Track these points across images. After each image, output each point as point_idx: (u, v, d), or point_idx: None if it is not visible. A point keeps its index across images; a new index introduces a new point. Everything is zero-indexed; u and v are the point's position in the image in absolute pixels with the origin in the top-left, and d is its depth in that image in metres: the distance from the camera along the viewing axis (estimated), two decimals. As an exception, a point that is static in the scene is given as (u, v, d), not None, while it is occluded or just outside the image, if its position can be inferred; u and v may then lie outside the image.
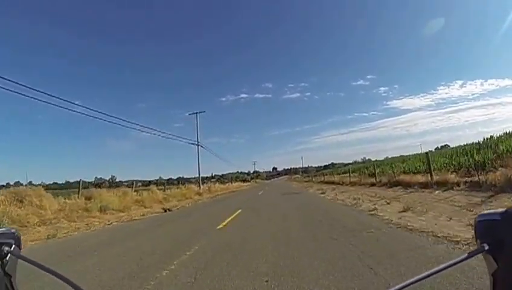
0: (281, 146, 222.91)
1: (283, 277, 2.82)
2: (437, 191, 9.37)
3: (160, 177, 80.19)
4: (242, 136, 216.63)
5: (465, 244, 3.39)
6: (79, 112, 16.47)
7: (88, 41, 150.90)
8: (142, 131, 22.27)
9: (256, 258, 3.54)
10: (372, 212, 6.61)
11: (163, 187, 22.95)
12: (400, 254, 3.26)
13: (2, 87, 10.66)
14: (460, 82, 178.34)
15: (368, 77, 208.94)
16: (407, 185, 12.28)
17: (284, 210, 9.01)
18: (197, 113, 29.88)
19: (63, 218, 10.95)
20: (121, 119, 19.54)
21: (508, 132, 15.53)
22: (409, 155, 41.48)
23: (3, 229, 0.50)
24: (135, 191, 18.19)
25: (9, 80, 10.94)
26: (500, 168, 8.37)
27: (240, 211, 9.48)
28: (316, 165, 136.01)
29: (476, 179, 9.12)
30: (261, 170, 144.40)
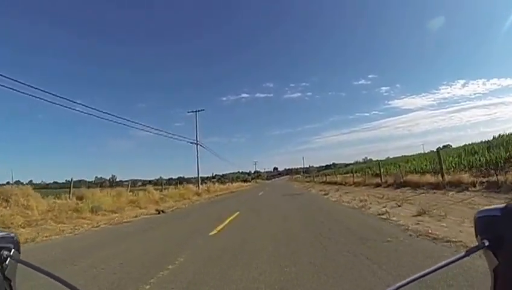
0: (282, 146, 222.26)
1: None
2: (451, 193, 8.67)
3: (160, 177, 79.76)
4: (243, 136, 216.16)
5: None
6: (80, 111, 16.15)
7: (88, 41, 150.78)
8: (142, 130, 21.64)
9: (251, 281, 2.86)
10: (384, 216, 5.92)
11: (161, 187, 22.33)
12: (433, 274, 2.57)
13: (3, 86, 10.54)
14: (462, 81, 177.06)
15: (370, 76, 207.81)
16: (415, 186, 11.58)
17: (284, 212, 8.34)
18: (196, 111, 29.22)
19: (51, 219, 10.33)
20: (119, 117, 19.11)
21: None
22: (413, 155, 40.80)
23: (2, 233, 0.50)
24: (130, 191, 17.56)
25: (9, 78, 10.77)
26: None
27: (237, 213, 8.81)
28: (317, 165, 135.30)
29: (494, 179, 8.44)
30: (262, 170, 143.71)
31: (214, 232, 5.63)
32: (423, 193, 9.74)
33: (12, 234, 0.52)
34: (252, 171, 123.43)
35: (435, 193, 9.24)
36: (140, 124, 21.79)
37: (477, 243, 0.44)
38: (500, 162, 9.98)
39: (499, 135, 19.25)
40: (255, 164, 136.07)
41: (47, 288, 2.06)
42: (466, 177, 9.62)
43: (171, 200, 18.82)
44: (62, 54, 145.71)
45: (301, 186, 32.54)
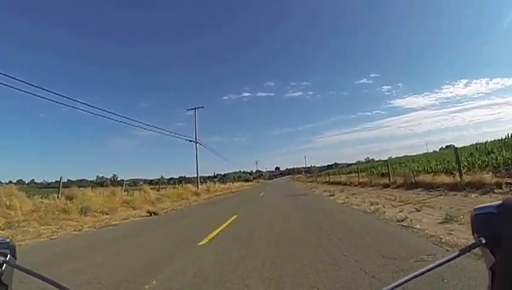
0: (283, 145, 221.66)
1: None
2: (473, 195, 7.76)
3: (162, 176, 79.27)
4: (244, 135, 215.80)
5: None
6: (83, 110, 15.84)
7: (88, 41, 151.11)
8: (141, 128, 20.88)
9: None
10: (404, 223, 5.03)
11: (158, 186, 21.53)
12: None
13: (5, 85, 10.47)
14: (465, 81, 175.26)
15: (372, 75, 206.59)
16: (429, 187, 10.65)
17: (287, 216, 7.48)
18: (195, 108, 28.37)
19: (35, 220, 9.59)
20: (120, 115, 18.58)
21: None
22: (418, 155, 39.79)
23: None
24: (125, 190, 16.76)
25: (12, 78, 10.71)
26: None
27: (235, 217, 7.96)
28: (319, 165, 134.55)
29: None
30: (264, 170, 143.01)
31: (204, 241, 4.76)
32: (440, 195, 8.82)
33: (8, 239, 0.51)
34: (254, 171, 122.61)
35: (454, 195, 8.32)
36: (141, 122, 21.03)
37: (473, 241, 0.43)
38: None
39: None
40: (256, 163, 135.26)
41: None
42: (488, 177, 8.69)
43: (168, 200, 18.01)
44: (62, 54, 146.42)
45: (304, 186, 31.61)
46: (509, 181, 7.86)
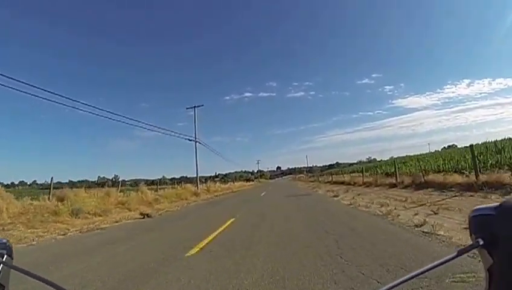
0: (285, 145, 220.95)
1: None
2: (493, 196, 7.10)
3: (163, 176, 78.75)
4: (246, 135, 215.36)
5: None
6: (84, 110, 15.52)
7: (88, 41, 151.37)
8: (141, 127, 20.37)
9: None
10: (425, 229, 4.38)
11: (156, 186, 20.95)
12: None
13: (8, 86, 10.43)
14: (467, 81, 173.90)
15: (374, 75, 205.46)
16: (440, 187, 9.97)
17: (289, 219, 6.86)
18: (194, 107, 27.74)
19: (22, 223, 9.03)
20: (121, 115, 18.27)
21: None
22: (423, 154, 38.94)
23: None
24: (121, 191, 16.17)
25: (14, 79, 10.59)
26: None
27: (232, 220, 7.35)
28: (321, 165, 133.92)
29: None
30: (265, 169, 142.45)
31: (194, 251, 4.13)
32: (455, 195, 8.15)
33: (4, 240, 0.51)
34: (255, 171, 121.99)
35: (471, 195, 7.66)
36: (141, 122, 20.58)
37: (471, 242, 0.43)
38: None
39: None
40: (258, 163, 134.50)
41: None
42: (507, 177, 8.03)
43: (166, 201, 17.42)
44: (62, 54, 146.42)
45: (306, 186, 30.93)
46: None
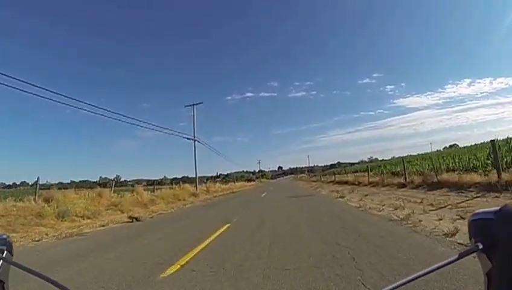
0: (286, 145, 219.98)
1: None
2: (523, 197, 6.26)
3: (165, 176, 78.11)
4: (247, 135, 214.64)
5: None
6: (87, 110, 15.25)
7: (88, 41, 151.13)
8: (141, 126, 19.72)
9: None
10: (460, 240, 3.56)
11: (153, 187, 20.18)
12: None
13: (8, 85, 10.30)
14: (468, 80, 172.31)
15: (375, 75, 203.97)
16: (457, 187, 9.12)
17: (293, 225, 6.06)
18: (193, 104, 26.93)
19: (1, 226, 8.29)
20: (124, 116, 17.87)
21: None
22: (428, 153, 37.96)
23: None
24: (114, 192, 15.40)
25: (14, 78, 10.43)
26: None
27: (227, 226, 6.54)
28: (322, 165, 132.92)
29: None
30: (267, 169, 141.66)
31: (173, 269, 3.31)
32: (476, 196, 7.31)
33: (4, 235, 0.50)
34: (256, 171, 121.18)
35: (496, 197, 6.81)
36: (141, 121, 20.06)
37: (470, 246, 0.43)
38: None
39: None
40: (259, 163, 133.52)
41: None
42: (535, 176, 7.18)
43: (162, 202, 16.64)
44: (62, 54, 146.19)
45: (308, 186, 30.09)
46: None
